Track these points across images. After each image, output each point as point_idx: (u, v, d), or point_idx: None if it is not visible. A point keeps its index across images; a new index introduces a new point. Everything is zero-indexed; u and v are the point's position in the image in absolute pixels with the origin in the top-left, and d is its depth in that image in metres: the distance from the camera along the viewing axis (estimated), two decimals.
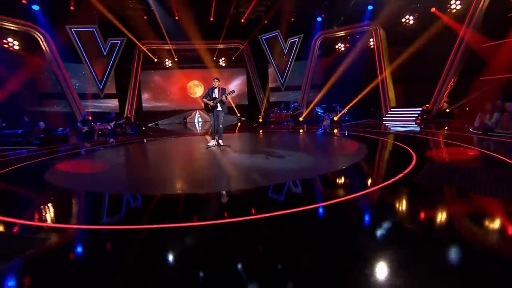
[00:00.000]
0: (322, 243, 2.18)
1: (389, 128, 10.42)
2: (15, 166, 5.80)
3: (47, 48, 12.76)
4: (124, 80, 16.03)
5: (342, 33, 15.35)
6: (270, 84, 17.88)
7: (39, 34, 12.48)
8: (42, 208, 3.36)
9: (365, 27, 14.14)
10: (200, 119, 18.84)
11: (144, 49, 16.23)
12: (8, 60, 11.40)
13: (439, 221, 2.50)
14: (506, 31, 9.71)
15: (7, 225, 2.82)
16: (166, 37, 15.47)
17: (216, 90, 6.79)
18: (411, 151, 5.36)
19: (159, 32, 14.96)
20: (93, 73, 14.57)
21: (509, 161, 4.30)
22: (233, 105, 18.26)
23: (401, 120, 12.12)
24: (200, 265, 1.97)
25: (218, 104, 6.77)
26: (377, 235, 2.28)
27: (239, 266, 1.91)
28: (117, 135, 11.84)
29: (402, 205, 2.95)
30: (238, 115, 18.52)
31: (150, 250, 2.20)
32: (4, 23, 11.38)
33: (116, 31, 14.16)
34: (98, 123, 11.58)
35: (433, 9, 11.88)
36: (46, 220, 2.98)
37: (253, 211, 2.92)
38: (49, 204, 3.49)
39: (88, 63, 14.31)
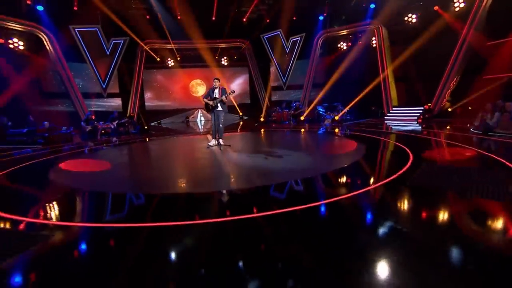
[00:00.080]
0: (313, 239, 2.26)
1: (391, 127, 10.42)
2: (21, 165, 5.95)
3: (51, 48, 12.92)
4: (127, 79, 16.18)
5: (344, 32, 15.30)
6: (272, 83, 17.91)
7: (43, 35, 12.64)
8: (47, 206, 3.47)
9: (367, 26, 14.08)
10: (202, 118, 18.94)
11: (147, 48, 16.34)
12: (13, 60, 11.56)
13: (428, 221, 2.57)
14: (509, 30, 9.64)
15: (12, 222, 2.93)
16: (169, 37, 15.55)
17: (216, 90, 6.88)
18: (408, 151, 5.41)
19: (162, 31, 15.04)
20: (97, 73, 14.71)
21: (504, 162, 4.32)
22: (235, 104, 18.34)
23: (403, 119, 12.07)
24: (201, 263, 2.04)
25: (219, 104, 6.86)
26: (367, 233, 2.35)
27: (240, 264, 1.99)
28: (120, 134, 11.99)
29: (395, 205, 3.01)
30: (240, 114, 18.60)
31: (152, 248, 2.28)
32: (10, 24, 11.55)
33: (119, 31, 14.27)
34: (101, 122, 11.72)
35: (436, 8, 11.83)
36: (50, 218, 3.09)
37: (254, 210, 3.00)
38: (54, 202, 3.60)
39: (92, 62, 14.44)
